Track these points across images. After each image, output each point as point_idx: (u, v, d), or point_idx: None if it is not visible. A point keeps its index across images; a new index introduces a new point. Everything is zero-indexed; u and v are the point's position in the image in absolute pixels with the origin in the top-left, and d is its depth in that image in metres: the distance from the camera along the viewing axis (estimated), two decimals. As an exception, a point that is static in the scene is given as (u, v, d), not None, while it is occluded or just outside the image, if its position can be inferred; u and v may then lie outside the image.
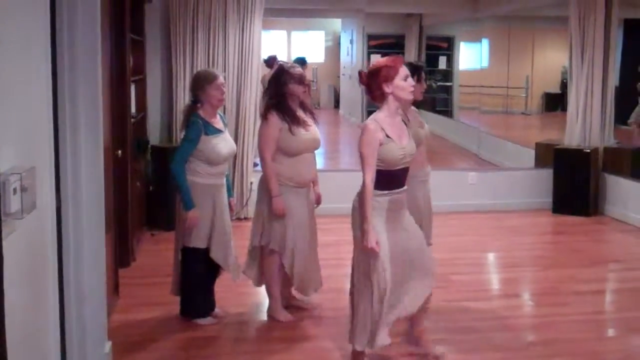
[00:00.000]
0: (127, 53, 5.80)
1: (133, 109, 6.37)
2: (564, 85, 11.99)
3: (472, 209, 7.95)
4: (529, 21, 11.11)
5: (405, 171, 3.78)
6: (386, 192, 3.70)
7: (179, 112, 7.13)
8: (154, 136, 7.32)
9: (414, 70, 4.67)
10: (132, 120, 6.12)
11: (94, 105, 3.48)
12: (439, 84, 12.54)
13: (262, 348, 4.35)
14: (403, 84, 3.69)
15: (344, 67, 15.45)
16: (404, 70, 3.71)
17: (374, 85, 3.73)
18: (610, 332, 4.77)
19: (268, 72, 9.47)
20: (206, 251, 4.54)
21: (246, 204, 7.30)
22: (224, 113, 7.10)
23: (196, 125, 4.42)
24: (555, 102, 11.01)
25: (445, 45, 12.53)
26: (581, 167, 7.88)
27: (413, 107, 4.71)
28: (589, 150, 7.87)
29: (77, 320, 3.43)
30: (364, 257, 3.72)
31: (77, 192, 3.36)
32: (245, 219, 7.14)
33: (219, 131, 4.53)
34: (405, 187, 3.81)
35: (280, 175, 4.52)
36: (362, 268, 3.76)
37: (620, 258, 6.52)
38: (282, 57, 12.81)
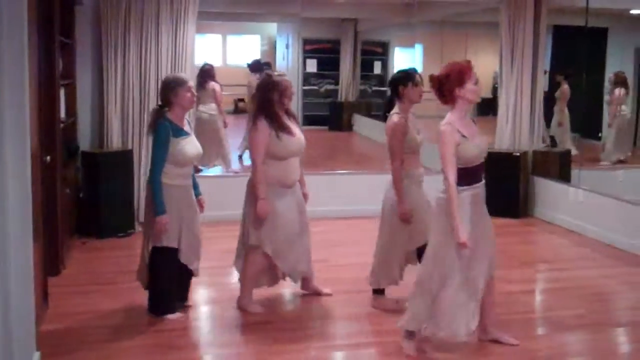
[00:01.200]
0: (56, 56, 5.68)
1: (62, 114, 6.24)
2: (495, 90, 12.26)
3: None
4: (461, 27, 11.31)
5: (482, 167, 4.07)
6: (467, 187, 3.95)
7: (110, 116, 7.01)
8: (85, 141, 7.15)
9: (406, 75, 4.90)
10: (62, 125, 5.99)
11: (20, 110, 3.39)
12: (374, 88, 12.66)
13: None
14: (474, 88, 3.94)
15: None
16: (474, 75, 3.94)
17: (445, 89, 3.96)
18: (540, 331, 4.88)
19: (253, 76, 9.52)
20: (176, 250, 4.68)
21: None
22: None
23: (164, 128, 4.54)
24: (487, 107, 11.22)
25: (380, 50, 12.67)
26: (511, 171, 8.06)
27: (411, 113, 4.94)
28: (518, 154, 8.07)
29: (3, 329, 3.32)
30: (447, 249, 3.96)
31: (2, 200, 3.26)
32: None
33: (186, 134, 4.67)
34: (483, 181, 4.09)
35: (268, 177, 4.74)
36: (444, 259, 3.99)
37: (549, 259, 6.70)
38: (216, 62, 12.77)
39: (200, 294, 5.36)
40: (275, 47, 16.42)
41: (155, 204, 4.54)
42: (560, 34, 9.13)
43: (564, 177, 8.11)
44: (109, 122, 7.03)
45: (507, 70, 8.20)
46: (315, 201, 7.61)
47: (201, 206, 4.90)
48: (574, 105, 9.00)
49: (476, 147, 3.98)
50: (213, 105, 9.15)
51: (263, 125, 4.71)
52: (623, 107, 8.84)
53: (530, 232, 7.69)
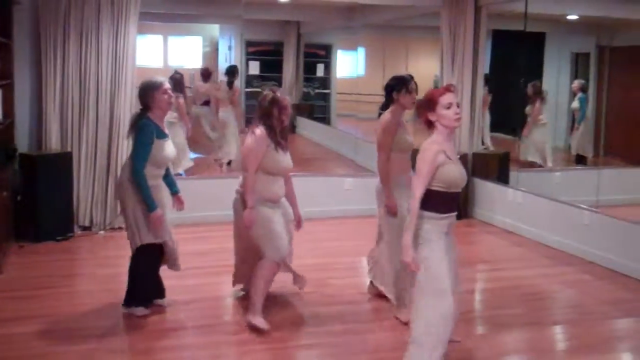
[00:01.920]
0: (-8, 56, 5.54)
1: (0, 115, 6.09)
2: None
3: (348, 214, 8.08)
4: (403, 30, 11.45)
5: (458, 195, 3.91)
6: (446, 215, 3.82)
7: (49, 118, 6.87)
8: (23, 144, 6.98)
9: (400, 82, 4.96)
10: (-1, 126, 5.85)
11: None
12: (316, 91, 12.70)
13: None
14: (445, 112, 3.80)
15: (222, 73, 15.34)
16: (445, 99, 3.81)
17: (420, 114, 3.94)
18: (480, 330, 4.98)
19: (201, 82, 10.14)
20: (157, 245, 4.77)
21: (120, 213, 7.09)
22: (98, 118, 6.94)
23: (149, 128, 4.61)
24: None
25: (323, 52, 12.70)
26: (452, 173, 8.19)
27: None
28: (459, 156, 8.18)
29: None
30: (429, 277, 3.78)
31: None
32: (120, 228, 6.99)
33: (166, 136, 4.78)
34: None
35: (255, 190, 4.72)
36: (428, 287, 3.81)
37: (488, 259, 6.85)
38: (157, 63, 12.63)
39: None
40: (217, 49, 16.36)
41: (146, 202, 4.60)
42: (499, 38, 9.32)
43: (503, 178, 8.30)
44: (47, 123, 6.88)
45: (448, 73, 8.33)
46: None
47: (181, 202, 5.05)
48: (512, 108, 9.20)
49: (459, 172, 3.85)
50: (175, 114, 8.99)
51: (262, 134, 4.72)
52: (541, 116, 9.10)
53: (470, 232, 7.83)
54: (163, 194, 4.84)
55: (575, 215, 6.78)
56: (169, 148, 4.77)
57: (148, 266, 4.85)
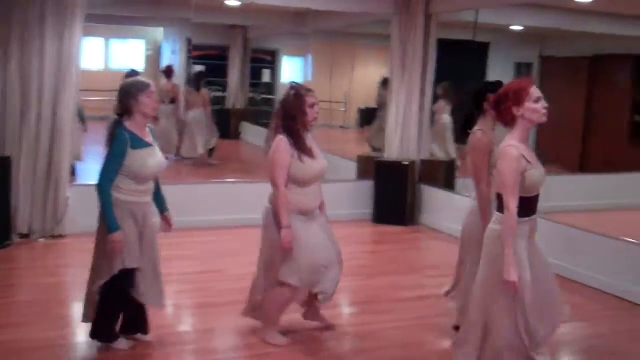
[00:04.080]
0: None
1: None
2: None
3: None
4: (350, 37, 11.49)
5: (538, 196, 3.69)
6: (527, 218, 3.62)
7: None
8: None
9: (495, 89, 4.26)
10: None
11: None
12: (262, 96, 12.63)
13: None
14: (534, 106, 3.56)
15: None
16: (535, 92, 3.57)
17: (502, 108, 3.61)
18: (430, 336, 4.97)
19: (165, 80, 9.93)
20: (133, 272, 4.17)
21: (61, 220, 6.88)
22: (38, 122, 6.71)
23: (122, 138, 4.05)
24: (372, 117, 11.45)
25: (269, 58, 12.66)
26: (399, 179, 8.24)
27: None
28: (407, 163, 8.25)
29: None
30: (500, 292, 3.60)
31: None
32: (61, 236, 6.78)
33: (147, 145, 4.17)
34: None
35: (287, 203, 4.30)
36: (500, 302, 3.63)
37: (435, 264, 6.88)
38: (98, 66, 12.37)
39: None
40: (160, 52, 16.12)
41: (107, 222, 4.02)
42: (445, 47, 9.43)
43: (449, 185, 8.38)
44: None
45: (397, 81, 8.36)
46: (201, 210, 7.56)
47: (168, 224, 4.46)
48: (454, 114, 9.32)
49: (540, 175, 3.61)
50: None
51: (285, 144, 4.29)
52: (444, 115, 9.36)
53: (418, 238, 7.88)
54: (146, 212, 4.20)
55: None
56: (151, 158, 4.14)
57: (118, 293, 4.20)
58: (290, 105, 4.34)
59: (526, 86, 3.57)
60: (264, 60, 12.64)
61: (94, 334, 4.28)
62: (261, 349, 4.48)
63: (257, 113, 12.63)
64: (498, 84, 4.30)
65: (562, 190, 8.39)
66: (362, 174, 8.90)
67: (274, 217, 4.35)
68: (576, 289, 5.99)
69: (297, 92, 4.36)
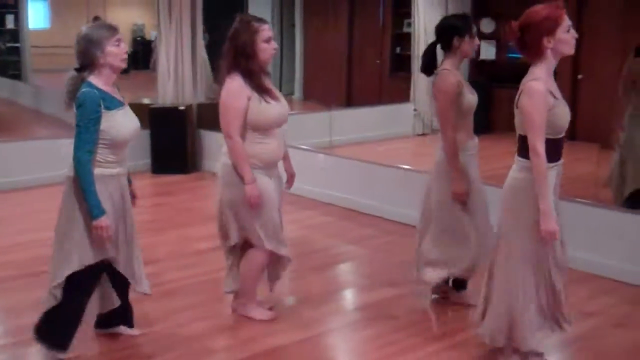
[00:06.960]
0: None
1: None
2: (137, 44, 11.92)
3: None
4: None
5: (564, 138, 3.30)
6: (553, 164, 3.22)
7: None
8: None
9: (466, 25, 3.93)
10: None
11: None
12: (8, 45, 11.40)
13: None
14: (566, 37, 3.16)
15: None
16: (567, 20, 3.15)
17: (529, 39, 3.16)
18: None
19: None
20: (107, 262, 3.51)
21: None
22: None
23: (93, 97, 3.27)
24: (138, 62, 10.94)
25: (12, 1, 11.39)
26: (177, 125, 7.87)
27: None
28: (183, 108, 7.88)
29: None
30: (530, 242, 3.24)
31: None
32: None
33: (121, 104, 3.43)
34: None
35: (248, 156, 3.73)
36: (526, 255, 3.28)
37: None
38: None
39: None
40: None
41: (91, 206, 3.29)
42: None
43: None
44: None
45: (166, 24, 7.91)
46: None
47: (135, 197, 3.75)
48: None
49: (568, 113, 3.24)
50: None
51: (239, 85, 3.70)
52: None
53: (203, 186, 7.64)
54: (127, 185, 3.58)
55: (310, 159, 6.87)
56: (126, 119, 3.43)
57: (85, 289, 3.48)
58: (242, 41, 3.73)
59: (558, 14, 3.17)
60: (6, 5, 11.32)
61: (39, 335, 3.48)
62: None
63: (5, 64, 11.41)
64: (467, 17, 4.06)
65: (334, 125, 8.50)
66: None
67: (232, 173, 3.80)
68: (373, 222, 6.13)
69: (248, 25, 3.76)
